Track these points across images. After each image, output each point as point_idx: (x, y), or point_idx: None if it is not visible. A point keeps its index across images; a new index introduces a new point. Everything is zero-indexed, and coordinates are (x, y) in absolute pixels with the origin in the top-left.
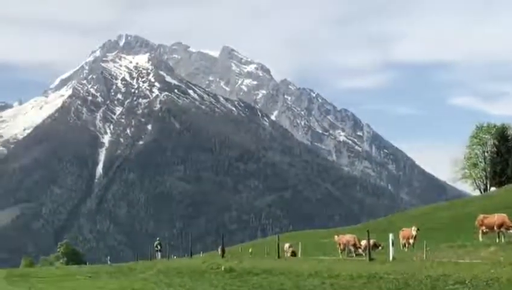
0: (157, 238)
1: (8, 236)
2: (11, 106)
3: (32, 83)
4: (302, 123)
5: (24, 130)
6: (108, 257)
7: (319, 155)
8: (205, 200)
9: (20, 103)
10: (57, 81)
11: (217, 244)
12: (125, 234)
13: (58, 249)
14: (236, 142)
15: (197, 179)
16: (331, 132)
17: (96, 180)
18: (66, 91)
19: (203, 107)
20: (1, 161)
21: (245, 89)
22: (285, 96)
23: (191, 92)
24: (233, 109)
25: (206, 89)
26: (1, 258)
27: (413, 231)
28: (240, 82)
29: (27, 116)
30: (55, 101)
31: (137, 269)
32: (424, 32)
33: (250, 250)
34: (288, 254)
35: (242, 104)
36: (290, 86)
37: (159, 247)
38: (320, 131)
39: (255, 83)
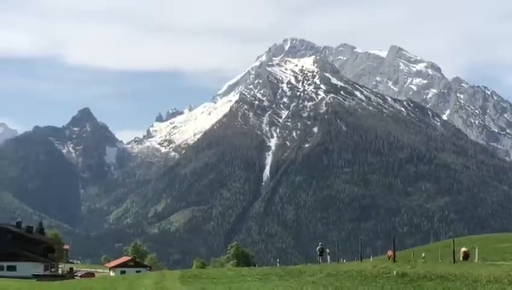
0: (320, 243)
1: (181, 238)
2: (181, 113)
3: (201, 90)
4: (477, 122)
5: (194, 135)
6: (278, 259)
7: (496, 156)
8: (374, 203)
9: (191, 109)
10: (224, 87)
11: (387, 248)
12: (293, 237)
13: (228, 251)
14: (406, 143)
15: (365, 182)
16: (508, 130)
17: (263, 184)
18: (234, 96)
19: (370, 108)
20: (173, 165)
21: (414, 88)
22: (458, 94)
23: (357, 93)
24: (402, 109)
25: (373, 90)
26: (175, 259)
27: None
28: (408, 81)
29: (197, 122)
30: (223, 106)
31: (306, 272)
32: None
33: (422, 254)
34: (461, 258)
35: (411, 104)
36: (462, 84)
37: (327, 251)
38: (496, 130)
39: (424, 82)
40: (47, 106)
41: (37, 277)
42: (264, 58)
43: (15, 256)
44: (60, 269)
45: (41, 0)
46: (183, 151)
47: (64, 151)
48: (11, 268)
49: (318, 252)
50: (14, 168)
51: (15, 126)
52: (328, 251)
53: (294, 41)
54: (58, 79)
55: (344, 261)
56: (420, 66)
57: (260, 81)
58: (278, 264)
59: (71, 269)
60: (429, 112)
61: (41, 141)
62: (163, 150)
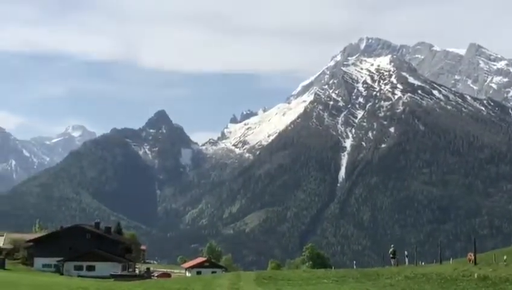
0: (392, 245)
1: (256, 239)
2: (256, 114)
3: (275, 91)
4: None
5: (268, 136)
6: (354, 262)
7: None
8: (453, 204)
9: (265, 110)
10: (299, 88)
11: (467, 250)
12: (370, 239)
13: (303, 253)
14: (486, 143)
15: (444, 183)
16: None
17: (338, 185)
18: (308, 97)
19: (448, 107)
20: (248, 167)
21: (495, 86)
22: None
23: (435, 92)
24: (482, 108)
25: (452, 89)
26: (250, 260)
27: None
28: (489, 80)
29: (271, 123)
30: (297, 107)
31: (383, 275)
32: None
33: (504, 257)
34: None
35: (492, 103)
36: None
37: (405, 253)
38: None
39: (505, 80)
40: (124, 109)
41: (114, 276)
42: (339, 58)
43: (94, 256)
44: (137, 269)
45: (119, 4)
46: (258, 153)
47: (140, 152)
48: (90, 268)
49: (391, 255)
50: (93, 170)
51: (93, 128)
52: (406, 253)
53: (370, 41)
54: (135, 82)
55: (422, 263)
56: (501, 64)
57: (335, 81)
58: (355, 267)
59: (148, 269)
60: (510, 111)
61: (118, 143)
62: (237, 151)
